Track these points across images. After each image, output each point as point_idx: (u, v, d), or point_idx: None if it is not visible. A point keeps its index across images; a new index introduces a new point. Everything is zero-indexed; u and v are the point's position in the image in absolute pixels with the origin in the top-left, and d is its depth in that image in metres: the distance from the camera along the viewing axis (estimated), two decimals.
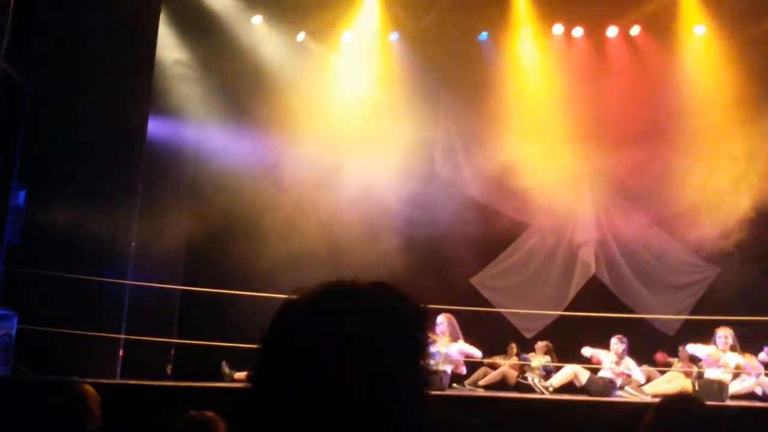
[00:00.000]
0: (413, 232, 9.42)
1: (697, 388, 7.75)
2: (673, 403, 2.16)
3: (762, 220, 9.56)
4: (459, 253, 9.89)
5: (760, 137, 9.63)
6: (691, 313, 9.71)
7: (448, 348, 8.07)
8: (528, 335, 10.12)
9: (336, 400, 0.95)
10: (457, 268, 9.95)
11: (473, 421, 3.38)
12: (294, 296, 1.06)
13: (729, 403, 7.47)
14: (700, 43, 10.17)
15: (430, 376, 1.07)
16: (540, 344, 9.15)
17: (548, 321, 9.97)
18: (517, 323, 10.02)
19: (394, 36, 10.43)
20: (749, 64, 9.64)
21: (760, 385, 8.06)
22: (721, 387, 7.65)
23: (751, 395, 8.04)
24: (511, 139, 10.08)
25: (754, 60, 9.67)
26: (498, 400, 7.42)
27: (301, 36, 10.33)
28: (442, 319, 8.31)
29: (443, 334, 8.17)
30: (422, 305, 1.10)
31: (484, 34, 10.46)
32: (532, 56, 10.41)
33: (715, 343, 7.89)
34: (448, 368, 8.13)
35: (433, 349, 7.93)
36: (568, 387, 8.25)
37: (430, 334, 1.12)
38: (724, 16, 9.79)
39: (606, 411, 6.58)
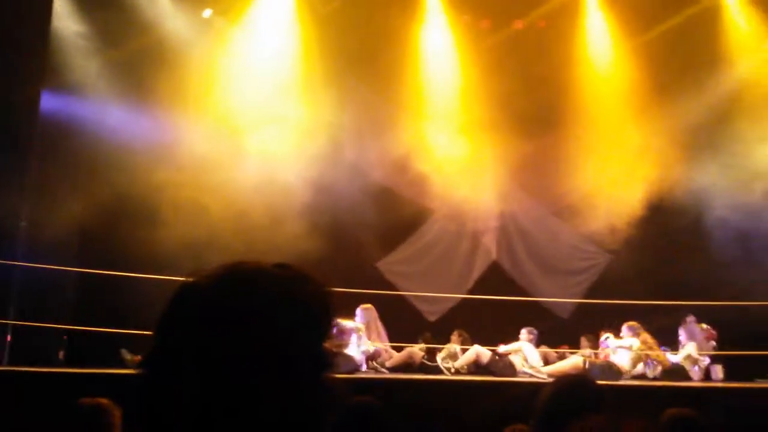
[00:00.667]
0: (319, 216, 9.37)
1: (587, 367, 8.12)
2: (567, 381, 2.26)
3: (653, 210, 10.09)
4: (365, 238, 9.96)
5: (653, 131, 10.14)
6: (585, 297, 10.18)
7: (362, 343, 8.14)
8: (431, 318, 10.34)
9: (233, 383, 0.93)
10: (364, 252, 10.02)
11: (374, 402, 3.43)
12: (192, 278, 1.02)
13: (621, 382, 7.87)
14: (599, 40, 10.60)
15: (333, 358, 1.06)
16: (455, 333, 9.29)
17: (450, 304, 10.21)
18: (420, 307, 10.21)
19: (302, 17, 10.29)
20: (644, 62, 10.14)
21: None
22: (610, 367, 8.05)
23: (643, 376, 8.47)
24: (417, 126, 10.21)
25: (650, 58, 10.18)
26: (402, 381, 7.54)
27: (207, 12, 10.04)
28: (360, 312, 8.39)
29: (360, 327, 8.23)
30: (326, 287, 1.09)
31: (393, 20, 10.46)
32: (439, 45, 10.53)
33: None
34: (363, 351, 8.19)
35: (357, 340, 8.01)
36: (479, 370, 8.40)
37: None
38: (623, 16, 10.23)
39: (506, 390, 6.80)
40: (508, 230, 10.84)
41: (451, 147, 10.24)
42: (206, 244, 8.23)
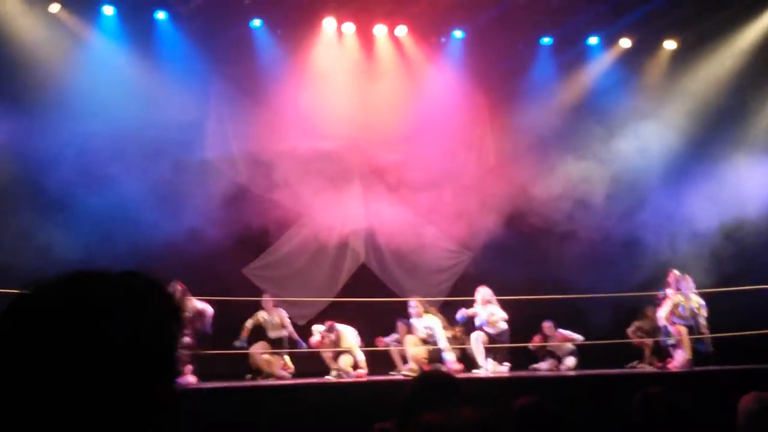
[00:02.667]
0: (180, 221, 9.08)
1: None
2: (424, 376, 2.34)
3: (510, 211, 10.61)
4: (230, 243, 9.77)
5: (508, 137, 10.67)
6: (448, 295, 10.52)
7: None
8: (301, 322, 10.30)
9: (76, 395, 0.91)
10: (229, 257, 9.82)
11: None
12: (29, 289, 0.98)
13: (476, 374, 8.22)
14: (459, 48, 11.01)
15: (181, 367, 1.05)
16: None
17: (320, 307, 10.23)
18: (290, 311, 10.11)
19: (161, 14, 9.94)
20: (501, 70, 10.66)
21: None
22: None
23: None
24: (279, 129, 10.15)
25: (505, 66, 10.71)
26: (271, 387, 7.48)
27: (54, 7, 9.47)
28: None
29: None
30: (174, 294, 1.08)
31: (256, 21, 10.35)
32: (304, 47, 10.52)
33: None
34: None
35: None
36: None
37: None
38: (480, 25, 10.68)
39: (378, 389, 6.92)
40: (375, 234, 11.01)
41: (323, 151, 10.29)
42: (55, 252, 7.79)
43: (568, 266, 10.31)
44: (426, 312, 8.91)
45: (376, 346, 9.05)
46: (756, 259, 10.18)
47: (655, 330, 9.23)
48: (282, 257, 10.51)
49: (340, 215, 10.70)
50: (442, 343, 8.67)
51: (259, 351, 8.80)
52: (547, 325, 9.61)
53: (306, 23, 10.41)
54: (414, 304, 8.91)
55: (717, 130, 10.81)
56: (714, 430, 3.10)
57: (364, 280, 10.65)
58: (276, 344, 8.96)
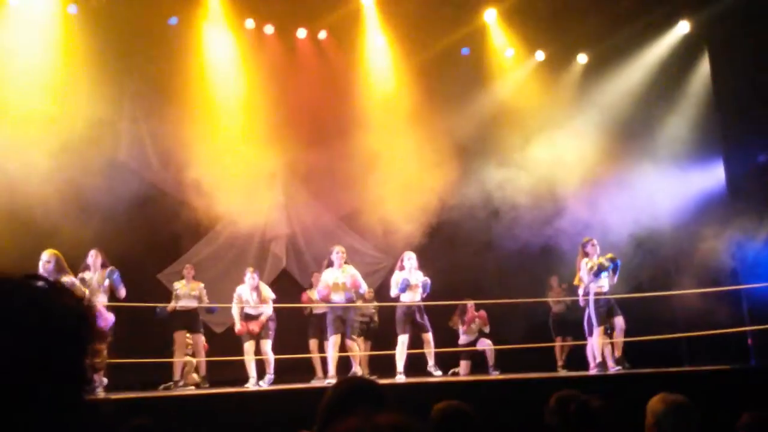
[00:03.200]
0: (96, 222, 8.75)
1: None
2: (343, 382, 2.32)
3: (428, 218, 10.73)
4: (145, 247, 9.48)
5: (427, 139, 10.78)
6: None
7: None
8: (218, 330, 10.11)
9: None
10: (145, 262, 9.52)
11: (144, 421, 3.28)
12: None
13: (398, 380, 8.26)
14: (380, 54, 11.08)
15: (91, 374, 1.00)
16: None
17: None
18: (206, 318, 9.89)
19: (72, 8, 9.55)
20: (424, 77, 10.79)
21: None
22: None
23: None
24: (201, 131, 9.94)
25: (427, 72, 10.85)
26: (191, 397, 7.31)
27: None
28: None
29: None
30: (82, 299, 1.04)
31: (173, 19, 10.10)
32: (223, 48, 10.35)
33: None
34: None
35: None
36: None
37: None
38: (403, 32, 10.79)
39: (300, 397, 6.86)
40: (297, 238, 10.94)
41: (242, 155, 10.12)
42: None
43: (487, 273, 10.52)
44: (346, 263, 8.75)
45: (309, 352, 9.05)
46: (665, 267, 10.66)
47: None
48: (200, 262, 10.26)
49: (261, 220, 10.57)
50: (364, 287, 8.77)
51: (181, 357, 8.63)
52: (470, 304, 9.94)
53: (225, 22, 10.25)
54: (338, 250, 8.70)
55: (627, 142, 11.27)
56: (623, 430, 3.24)
57: (284, 285, 10.53)
58: (187, 319, 8.79)
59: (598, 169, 11.01)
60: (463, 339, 10.00)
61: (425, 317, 8.91)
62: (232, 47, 10.39)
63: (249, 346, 8.46)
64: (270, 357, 8.46)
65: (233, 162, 9.98)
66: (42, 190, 8.48)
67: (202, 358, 8.87)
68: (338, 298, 8.53)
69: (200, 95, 10.07)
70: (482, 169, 10.96)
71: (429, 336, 8.88)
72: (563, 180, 10.98)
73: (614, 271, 8.77)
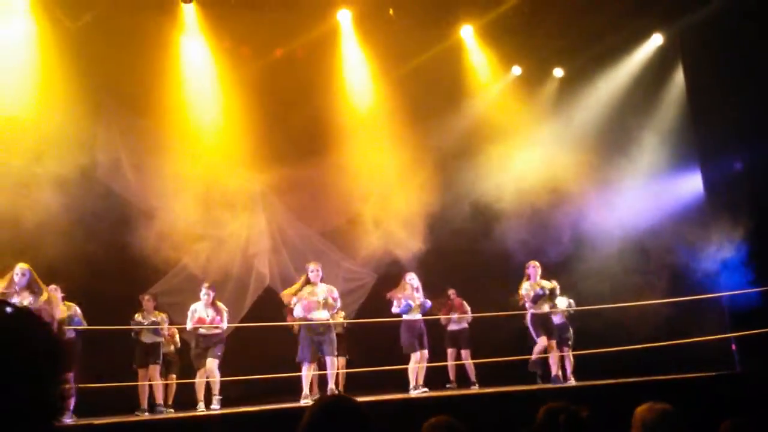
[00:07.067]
0: (73, 245, 8.65)
1: None
2: (323, 401, 2.29)
3: (415, 230, 10.73)
4: (128, 268, 9.37)
5: (405, 154, 10.80)
6: (356, 316, 10.47)
7: None
8: None
9: None
10: (125, 283, 9.39)
11: None
12: None
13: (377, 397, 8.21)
14: (358, 70, 11.11)
15: (61, 403, 0.98)
16: None
17: (225, 334, 9.92)
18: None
19: (43, 34, 9.43)
20: (399, 93, 10.82)
21: None
22: None
23: None
24: (182, 152, 9.88)
25: (403, 89, 10.86)
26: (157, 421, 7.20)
27: None
28: None
29: None
30: (54, 328, 1.01)
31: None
32: (201, 67, 10.32)
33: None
34: None
35: None
36: None
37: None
38: (380, 50, 10.84)
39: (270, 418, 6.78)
40: (280, 255, 10.86)
41: (223, 174, 10.09)
42: None
43: (468, 284, 10.51)
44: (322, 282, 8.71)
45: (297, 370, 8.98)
46: (645, 275, 10.73)
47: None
48: (181, 282, 10.14)
49: (243, 237, 10.50)
50: (338, 304, 8.72)
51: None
52: (451, 291, 10.15)
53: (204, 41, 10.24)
54: (313, 268, 8.61)
55: (605, 154, 11.37)
56: None
57: (269, 303, 10.42)
58: (152, 353, 8.63)
59: (576, 181, 11.09)
60: (452, 327, 10.16)
61: (425, 336, 9.11)
62: (210, 66, 10.36)
63: (202, 371, 8.41)
64: (216, 377, 8.36)
65: (217, 182, 9.93)
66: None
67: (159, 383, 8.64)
68: (317, 315, 8.44)
69: (178, 113, 10.02)
70: (462, 182, 11.00)
71: (425, 353, 9.03)
72: (542, 192, 11.04)
73: (551, 298, 9.18)
